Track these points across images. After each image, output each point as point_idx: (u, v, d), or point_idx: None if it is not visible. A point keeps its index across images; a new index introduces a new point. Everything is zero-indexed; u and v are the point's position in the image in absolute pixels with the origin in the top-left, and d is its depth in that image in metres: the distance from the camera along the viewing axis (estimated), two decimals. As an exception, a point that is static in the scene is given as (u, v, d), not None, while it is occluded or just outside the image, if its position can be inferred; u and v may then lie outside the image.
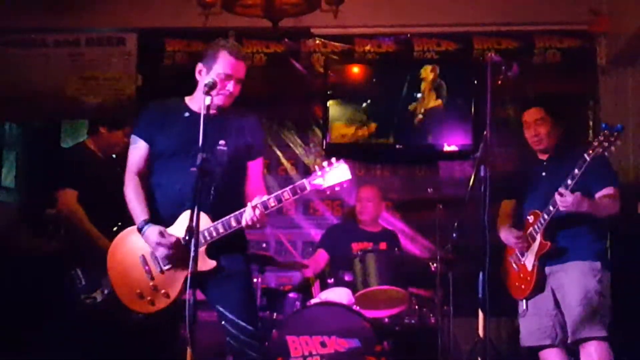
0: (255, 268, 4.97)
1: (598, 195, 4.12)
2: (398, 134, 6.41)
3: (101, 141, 4.78)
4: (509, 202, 4.56)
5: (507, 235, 4.37)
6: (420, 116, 6.39)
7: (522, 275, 4.26)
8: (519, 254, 4.30)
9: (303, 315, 4.81)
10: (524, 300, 4.27)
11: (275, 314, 5.13)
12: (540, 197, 4.18)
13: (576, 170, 3.86)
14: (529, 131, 4.39)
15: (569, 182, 3.90)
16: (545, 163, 4.37)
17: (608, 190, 4.12)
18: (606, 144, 3.71)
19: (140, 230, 3.51)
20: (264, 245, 6.33)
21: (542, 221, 4.09)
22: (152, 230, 3.46)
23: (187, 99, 3.68)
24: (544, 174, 4.31)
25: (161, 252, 3.47)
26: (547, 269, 4.17)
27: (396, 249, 5.56)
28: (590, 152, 3.77)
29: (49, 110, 6.66)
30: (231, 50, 3.57)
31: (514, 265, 4.34)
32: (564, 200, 3.91)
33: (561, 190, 3.92)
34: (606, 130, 3.72)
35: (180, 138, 3.54)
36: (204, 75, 3.58)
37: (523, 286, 4.24)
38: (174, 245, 3.43)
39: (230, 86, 3.54)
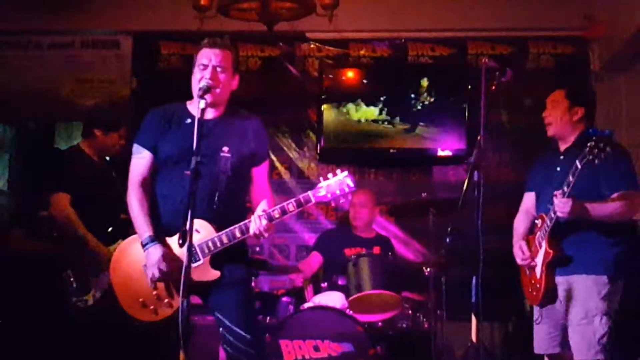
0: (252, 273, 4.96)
1: (610, 198, 3.90)
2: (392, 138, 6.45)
3: (96, 144, 4.76)
4: (530, 194, 4.33)
5: (516, 251, 4.18)
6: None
7: (533, 281, 4.08)
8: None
9: (296, 320, 4.81)
10: (537, 307, 4.11)
11: (268, 318, 5.13)
12: (551, 196, 3.90)
13: (570, 177, 3.72)
14: (544, 113, 4.19)
15: (565, 189, 3.74)
16: (562, 157, 4.09)
17: (620, 193, 3.86)
18: (596, 151, 3.55)
19: (144, 245, 3.45)
20: (258, 249, 6.32)
21: (546, 227, 3.92)
22: (156, 251, 3.41)
23: (188, 104, 3.63)
24: (558, 169, 4.03)
25: (154, 272, 3.41)
26: (557, 279, 3.98)
27: (389, 253, 5.56)
28: (582, 159, 3.62)
29: (44, 112, 6.67)
30: (205, 43, 3.54)
31: (527, 270, 4.15)
32: (561, 206, 3.76)
33: (556, 193, 3.78)
34: (594, 137, 3.58)
35: (182, 146, 3.45)
36: (193, 77, 3.55)
37: (534, 293, 4.05)
38: (172, 272, 3.39)
39: (207, 73, 3.45)
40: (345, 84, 6.59)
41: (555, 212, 3.82)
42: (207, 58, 3.50)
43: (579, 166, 3.65)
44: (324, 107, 6.47)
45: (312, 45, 6.69)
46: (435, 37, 6.65)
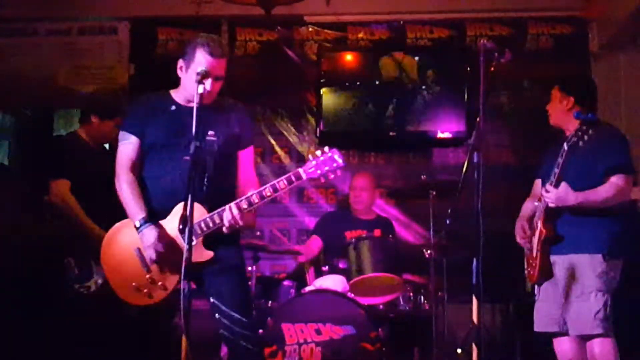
0: (250, 256, 4.97)
1: (604, 180, 4.03)
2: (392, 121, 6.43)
3: (92, 130, 4.77)
4: (538, 180, 4.46)
5: (517, 230, 4.34)
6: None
7: (530, 260, 4.22)
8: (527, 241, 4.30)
9: (298, 303, 4.83)
10: (536, 286, 4.23)
11: (270, 302, 5.14)
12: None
13: (559, 159, 3.87)
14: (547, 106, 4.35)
15: (556, 170, 3.91)
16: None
17: (612, 178, 4.01)
18: (580, 133, 3.73)
19: (138, 227, 3.48)
20: (258, 233, 6.34)
21: (541, 208, 4.06)
22: (151, 232, 3.44)
23: (173, 93, 3.68)
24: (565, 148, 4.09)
25: (151, 253, 3.46)
26: (552, 258, 4.13)
27: (390, 236, 5.57)
28: (568, 142, 3.79)
29: (41, 99, 6.65)
30: (208, 49, 3.48)
31: (526, 249, 4.30)
32: (548, 195, 3.94)
33: (547, 186, 3.95)
34: (579, 120, 3.76)
35: (167, 131, 3.55)
36: (183, 72, 3.58)
37: (531, 271, 4.18)
38: (165, 252, 3.43)
39: (208, 85, 3.46)
40: (344, 67, 6.56)
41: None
42: (210, 67, 3.47)
43: (565, 148, 3.83)
44: (323, 90, 6.45)
45: (310, 29, 6.65)
46: (434, 19, 6.62)
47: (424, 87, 6.41)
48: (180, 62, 3.60)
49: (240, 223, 3.43)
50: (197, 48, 3.50)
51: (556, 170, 3.92)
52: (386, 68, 6.44)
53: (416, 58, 6.44)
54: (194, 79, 3.41)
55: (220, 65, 3.53)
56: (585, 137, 3.71)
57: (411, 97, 6.42)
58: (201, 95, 3.31)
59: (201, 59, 3.48)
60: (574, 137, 3.76)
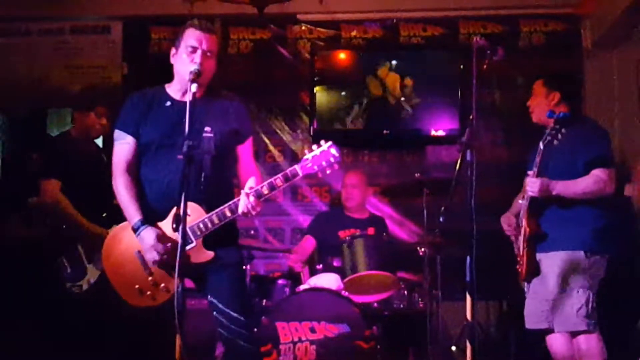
0: (244, 255, 4.96)
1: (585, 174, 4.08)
2: (386, 120, 6.43)
3: (78, 127, 4.77)
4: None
5: (502, 219, 4.40)
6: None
7: (518, 258, 4.26)
8: (515, 237, 4.32)
9: (292, 302, 4.83)
10: (525, 283, 4.27)
11: (264, 301, 5.14)
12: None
13: (537, 158, 3.94)
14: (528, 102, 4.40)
15: (535, 169, 3.97)
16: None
17: (593, 171, 4.05)
18: (554, 132, 3.83)
19: (135, 230, 3.44)
20: (252, 232, 6.34)
21: (525, 205, 4.10)
22: (149, 233, 3.41)
23: (167, 87, 3.63)
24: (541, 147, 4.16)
25: (153, 255, 3.42)
26: (537, 256, 4.16)
27: (384, 234, 5.57)
28: (544, 140, 3.88)
29: (34, 99, 6.63)
30: (194, 25, 3.52)
31: (515, 247, 4.35)
32: (530, 185, 3.98)
33: (529, 172, 4.01)
34: (553, 118, 3.87)
35: (164, 129, 3.48)
36: (174, 56, 3.57)
37: (519, 269, 4.23)
38: (168, 251, 3.38)
39: (197, 58, 3.44)
40: (337, 65, 6.56)
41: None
42: (197, 41, 3.49)
43: (541, 147, 3.92)
44: (316, 89, 6.45)
45: (303, 27, 6.65)
46: (427, 17, 6.62)
47: (403, 99, 6.40)
48: (172, 50, 3.59)
49: (253, 213, 3.38)
50: (185, 28, 3.54)
51: (535, 169, 3.97)
52: (372, 86, 6.45)
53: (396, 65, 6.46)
54: (184, 59, 3.44)
55: (209, 40, 3.50)
56: (559, 136, 3.79)
57: (396, 112, 6.42)
58: (194, 94, 3.27)
59: (189, 34, 3.51)
60: (548, 136, 3.83)
